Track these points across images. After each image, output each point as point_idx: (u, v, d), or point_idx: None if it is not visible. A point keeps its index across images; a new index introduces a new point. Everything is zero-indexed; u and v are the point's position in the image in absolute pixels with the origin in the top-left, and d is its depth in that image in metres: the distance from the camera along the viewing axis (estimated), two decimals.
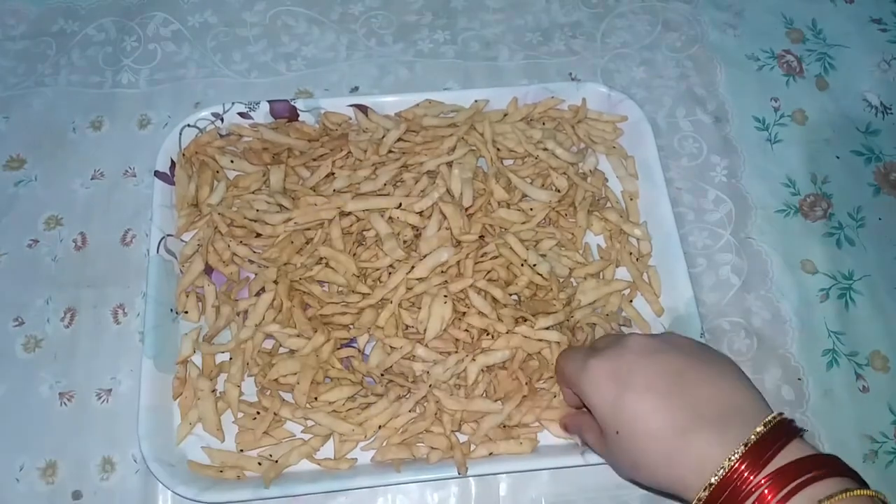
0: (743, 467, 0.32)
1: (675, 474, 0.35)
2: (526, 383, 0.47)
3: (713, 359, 0.39)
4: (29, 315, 0.53)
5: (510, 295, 0.50)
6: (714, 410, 0.35)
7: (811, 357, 0.52)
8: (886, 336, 0.53)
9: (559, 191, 0.53)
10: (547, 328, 0.47)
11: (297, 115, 0.56)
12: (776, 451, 0.33)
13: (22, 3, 0.65)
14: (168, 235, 0.52)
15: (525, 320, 0.48)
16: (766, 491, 0.31)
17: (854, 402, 0.51)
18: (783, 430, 0.33)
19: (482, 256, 0.50)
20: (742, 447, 0.33)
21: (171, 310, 0.50)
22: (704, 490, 0.33)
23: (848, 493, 0.30)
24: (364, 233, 0.52)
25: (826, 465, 0.32)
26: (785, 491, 0.31)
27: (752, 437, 0.33)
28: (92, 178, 0.58)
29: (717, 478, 0.33)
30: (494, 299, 0.49)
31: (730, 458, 0.33)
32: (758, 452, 0.32)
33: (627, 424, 0.37)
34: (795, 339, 0.53)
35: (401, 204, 0.51)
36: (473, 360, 0.47)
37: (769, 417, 0.34)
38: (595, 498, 0.48)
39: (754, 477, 0.32)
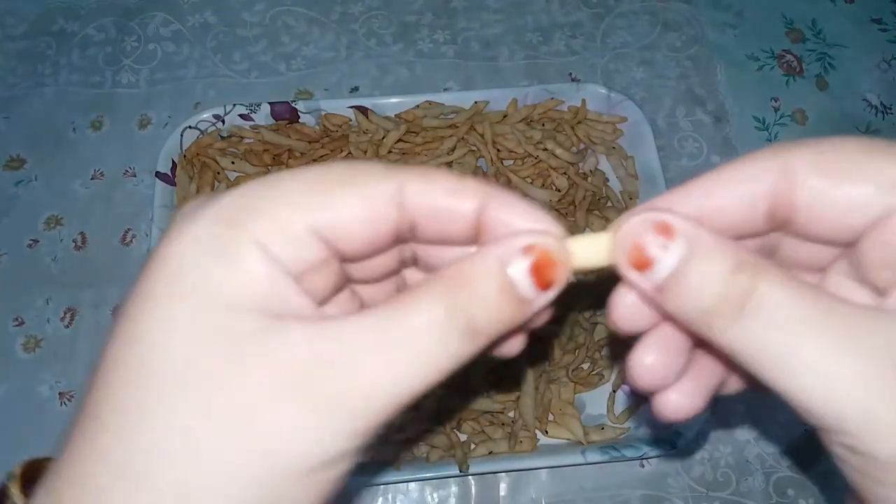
0: None
1: None
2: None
3: None
4: (29, 315, 0.53)
5: None
6: None
7: None
8: None
9: (559, 190, 0.53)
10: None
11: (298, 117, 0.56)
12: None
13: (22, 3, 0.65)
14: None
15: None
16: None
17: None
18: None
19: None
20: None
21: None
22: None
23: None
24: None
25: None
26: None
27: None
28: (92, 178, 0.58)
29: None
30: None
31: None
32: None
33: None
34: None
35: None
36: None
37: None
38: (595, 498, 0.48)
39: None
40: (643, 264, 0.19)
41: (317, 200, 0.18)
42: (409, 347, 0.17)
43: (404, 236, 0.20)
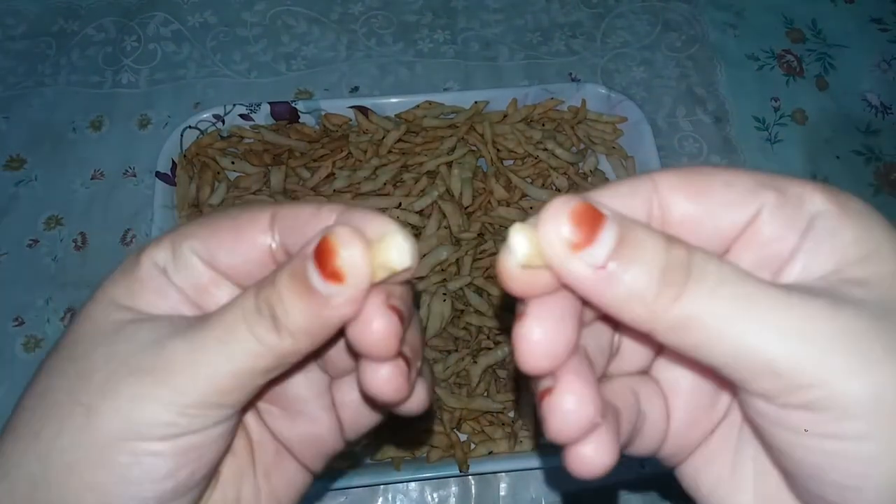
0: None
1: None
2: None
3: None
4: (29, 315, 0.53)
5: None
6: None
7: None
8: None
9: (559, 190, 0.53)
10: None
11: (298, 117, 0.56)
12: None
13: (22, 3, 0.65)
14: None
15: None
16: None
17: None
18: None
19: (481, 253, 0.50)
20: None
21: None
22: None
23: None
24: None
25: None
26: None
27: None
28: (92, 178, 0.58)
29: None
30: (493, 297, 0.49)
31: None
32: None
33: None
34: None
35: (400, 204, 0.51)
36: (475, 361, 0.47)
37: None
38: (595, 498, 0.48)
39: None
40: (577, 246, 0.18)
41: (201, 231, 0.22)
42: (223, 335, 0.20)
43: (281, 259, 0.22)
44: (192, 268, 0.22)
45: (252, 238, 0.22)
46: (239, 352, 0.19)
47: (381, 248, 0.19)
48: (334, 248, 0.19)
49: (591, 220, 0.18)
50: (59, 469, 0.19)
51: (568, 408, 0.19)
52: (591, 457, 0.19)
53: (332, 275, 0.19)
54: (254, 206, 0.23)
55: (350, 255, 0.19)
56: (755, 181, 0.19)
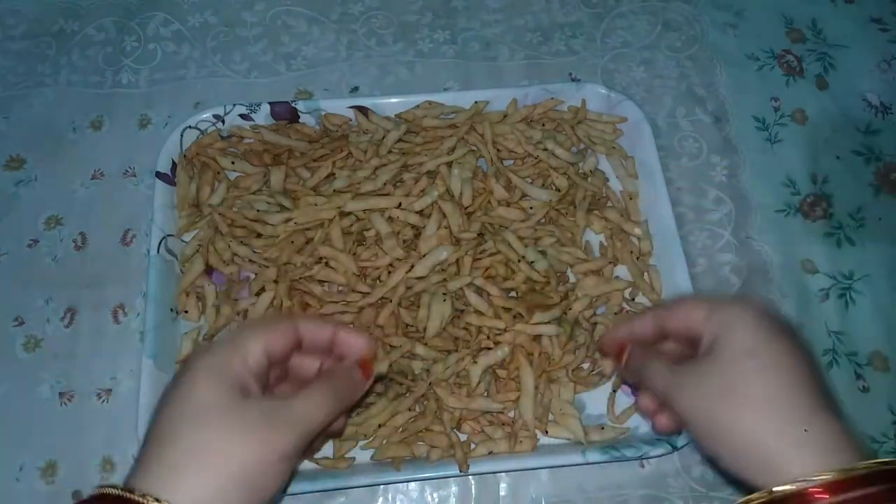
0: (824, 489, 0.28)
1: (764, 431, 0.31)
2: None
3: None
4: (29, 315, 0.53)
5: (508, 291, 0.50)
6: (843, 418, 0.32)
7: None
8: (886, 336, 0.53)
9: (559, 190, 0.53)
10: (545, 323, 0.47)
11: (298, 117, 0.56)
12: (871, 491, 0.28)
13: (22, 3, 0.65)
14: (168, 235, 0.52)
15: (522, 316, 0.48)
16: None
17: (854, 402, 0.51)
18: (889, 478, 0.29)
19: (481, 253, 0.50)
20: (843, 473, 0.28)
21: (172, 310, 0.50)
22: (781, 486, 0.29)
23: None
24: (364, 232, 0.52)
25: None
26: None
27: (862, 469, 0.29)
28: (92, 178, 0.58)
29: (801, 485, 0.28)
30: (493, 297, 0.49)
31: (827, 474, 0.28)
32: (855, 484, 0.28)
33: (759, 345, 0.33)
34: None
35: (401, 204, 0.51)
36: (474, 361, 0.47)
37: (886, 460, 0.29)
38: (595, 498, 0.48)
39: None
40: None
41: (261, 337, 0.36)
42: (319, 402, 0.35)
43: (295, 349, 0.39)
44: (262, 359, 0.36)
45: (287, 339, 0.37)
46: (321, 415, 0.35)
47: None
48: (369, 362, 0.40)
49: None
50: None
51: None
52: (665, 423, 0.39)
53: (367, 374, 0.39)
54: (277, 319, 0.41)
55: (374, 366, 0.40)
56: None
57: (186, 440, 0.31)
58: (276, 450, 0.32)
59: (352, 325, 0.49)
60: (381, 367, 0.43)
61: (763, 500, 0.29)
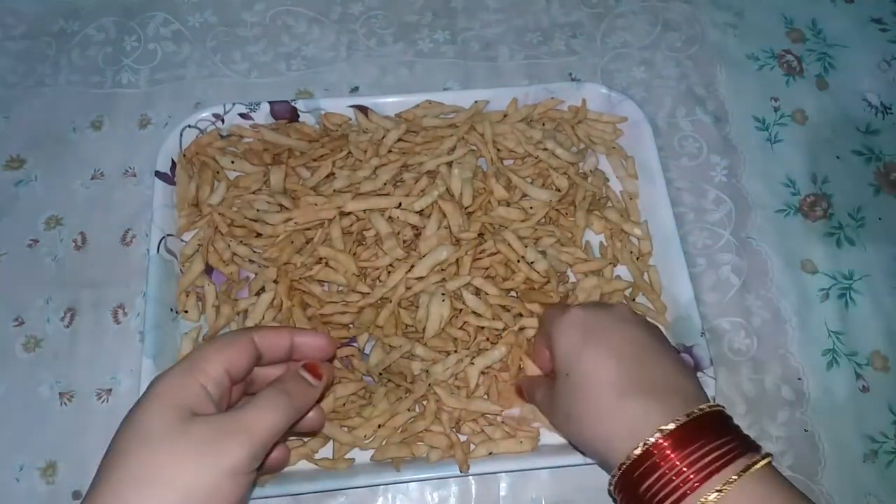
0: (668, 443, 0.34)
1: (604, 432, 0.38)
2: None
3: (671, 347, 0.42)
4: (29, 315, 0.53)
5: (508, 291, 0.50)
6: (660, 387, 0.37)
7: (811, 357, 0.52)
8: (886, 336, 0.53)
9: (559, 190, 0.53)
10: None
11: (298, 116, 0.56)
12: (706, 436, 0.35)
13: (22, 3, 0.65)
14: (168, 235, 0.52)
15: (522, 317, 0.48)
16: (684, 469, 0.34)
17: (854, 401, 0.51)
18: (720, 420, 0.36)
19: (480, 253, 0.50)
20: (673, 423, 0.35)
21: (172, 309, 0.50)
22: (628, 458, 0.35)
23: (749, 470, 0.33)
24: (364, 232, 0.52)
25: (738, 446, 0.35)
26: (702, 475, 0.33)
27: (685, 417, 0.35)
28: (92, 178, 0.58)
29: (641, 449, 0.35)
30: (490, 296, 0.49)
31: (661, 430, 0.35)
32: (687, 434, 0.35)
33: (580, 371, 0.39)
34: (795, 338, 0.53)
35: (401, 203, 0.51)
36: (472, 363, 0.47)
37: (708, 405, 0.36)
38: (595, 498, 0.48)
39: (675, 454, 0.34)
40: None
41: (218, 355, 0.36)
42: (268, 410, 0.35)
43: (256, 362, 0.39)
44: (222, 379, 0.36)
45: (247, 353, 0.38)
46: (276, 422, 0.35)
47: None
48: (317, 366, 0.40)
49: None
50: None
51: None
52: None
53: (317, 376, 0.40)
54: (235, 334, 0.39)
55: (325, 369, 0.41)
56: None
57: (132, 466, 0.32)
58: (223, 466, 0.32)
59: (350, 326, 0.49)
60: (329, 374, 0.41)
61: (626, 464, 0.36)
